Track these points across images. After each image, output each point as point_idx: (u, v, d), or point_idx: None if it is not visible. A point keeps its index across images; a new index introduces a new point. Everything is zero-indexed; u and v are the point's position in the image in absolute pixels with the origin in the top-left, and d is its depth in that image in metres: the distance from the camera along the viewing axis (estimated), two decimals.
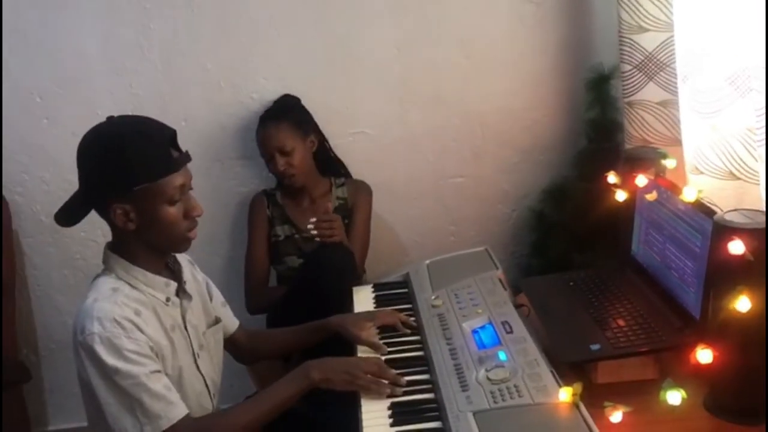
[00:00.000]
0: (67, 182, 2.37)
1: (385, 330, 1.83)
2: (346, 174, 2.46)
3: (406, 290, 2.05)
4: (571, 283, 1.88)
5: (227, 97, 2.44)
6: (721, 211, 1.46)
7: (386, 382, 1.55)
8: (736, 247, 1.31)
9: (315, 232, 2.16)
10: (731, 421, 1.44)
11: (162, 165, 1.44)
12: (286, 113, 2.33)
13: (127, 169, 1.42)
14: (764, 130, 1.34)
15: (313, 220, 2.17)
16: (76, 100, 2.39)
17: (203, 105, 2.44)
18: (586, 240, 2.27)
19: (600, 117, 2.34)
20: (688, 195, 1.54)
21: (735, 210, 1.42)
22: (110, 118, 1.49)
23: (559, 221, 2.41)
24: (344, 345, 1.79)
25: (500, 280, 1.93)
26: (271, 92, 2.43)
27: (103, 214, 1.48)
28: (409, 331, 1.82)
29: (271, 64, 2.42)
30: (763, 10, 1.45)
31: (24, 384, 2.52)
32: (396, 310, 1.91)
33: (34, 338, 2.63)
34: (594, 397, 1.47)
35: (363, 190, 2.42)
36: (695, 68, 1.72)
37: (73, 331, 1.45)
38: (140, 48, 2.37)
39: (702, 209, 1.52)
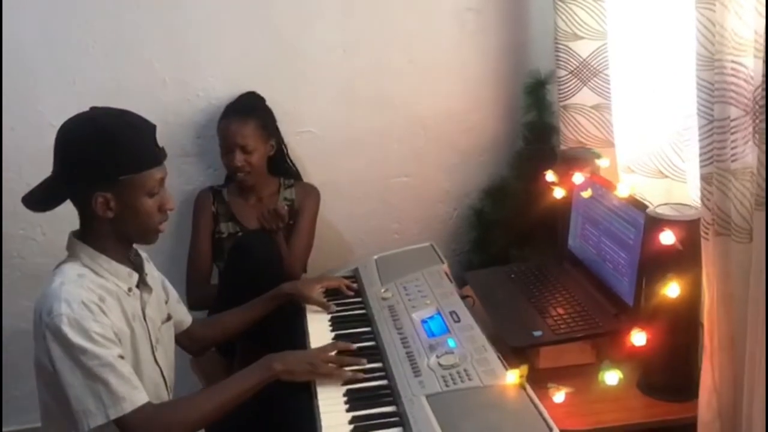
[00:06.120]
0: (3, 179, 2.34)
1: (338, 322, 1.90)
2: (297, 177, 2.50)
3: (355, 284, 2.11)
4: (513, 275, 1.99)
5: (173, 95, 2.44)
6: (652, 205, 1.58)
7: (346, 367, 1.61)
8: (667, 237, 1.43)
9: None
10: (662, 399, 1.57)
11: (148, 157, 1.50)
12: (255, 112, 2.36)
13: (115, 159, 1.46)
14: (694, 130, 1.46)
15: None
16: (16, 96, 2.34)
17: (148, 102, 2.40)
18: (523, 236, 2.38)
19: (536, 120, 2.46)
20: (622, 191, 1.66)
21: (665, 204, 1.54)
22: (93, 109, 1.53)
23: (498, 219, 2.51)
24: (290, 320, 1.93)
25: (446, 274, 2.01)
26: (218, 90, 2.45)
27: (81, 201, 1.50)
28: (352, 293, 2.02)
29: (218, 62, 2.44)
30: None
31: None
32: (346, 303, 1.99)
33: None
34: (536, 381, 1.56)
35: (311, 193, 2.46)
36: (627, 74, 1.85)
37: (38, 315, 1.45)
38: (84, 44, 2.34)
39: (635, 204, 1.64)
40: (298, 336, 1.89)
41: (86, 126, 1.50)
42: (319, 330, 1.87)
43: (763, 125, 1.16)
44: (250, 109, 2.37)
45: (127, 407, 1.42)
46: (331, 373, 1.59)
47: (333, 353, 1.64)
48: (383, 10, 2.48)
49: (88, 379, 1.40)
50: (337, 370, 1.60)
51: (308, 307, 1.97)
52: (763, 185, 1.17)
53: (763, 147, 1.17)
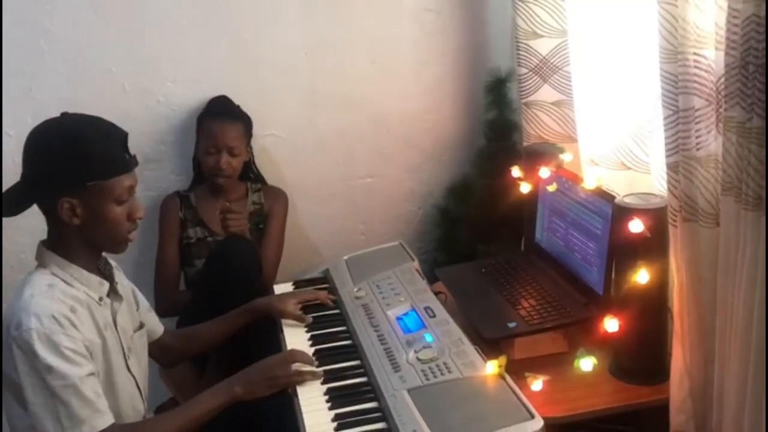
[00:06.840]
0: None
1: (313, 323, 1.91)
2: (261, 180, 2.50)
3: (326, 285, 2.12)
4: (483, 270, 2.02)
5: (133, 101, 2.41)
6: (619, 196, 1.63)
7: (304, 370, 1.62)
8: (636, 226, 1.48)
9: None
10: (634, 383, 1.61)
11: (116, 164, 1.47)
12: (241, 116, 2.36)
13: (82, 165, 1.43)
14: (656, 121, 1.52)
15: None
16: None
17: (107, 109, 2.30)
18: (488, 232, 2.42)
19: (497, 118, 2.50)
20: (589, 184, 1.71)
21: (631, 194, 1.59)
22: (64, 114, 1.50)
23: (462, 216, 2.55)
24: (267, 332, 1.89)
25: (417, 271, 2.03)
26: (179, 96, 2.43)
27: (48, 207, 1.48)
28: (331, 303, 1.99)
29: (178, 67, 2.41)
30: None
31: None
32: (320, 304, 1.99)
33: None
34: (512, 372, 1.59)
35: (280, 197, 2.46)
36: (588, 70, 1.90)
37: (5, 327, 1.42)
38: (40, 50, 2.30)
39: (602, 195, 1.69)
40: (273, 339, 1.89)
41: (54, 131, 1.48)
42: (295, 333, 1.87)
43: (733, 113, 1.20)
44: (237, 112, 2.37)
45: (86, 431, 1.39)
46: (291, 382, 1.60)
47: (291, 361, 1.64)
48: (343, 13, 2.49)
49: (49, 399, 1.38)
50: (296, 375, 1.60)
51: None
52: (729, 171, 1.23)
53: (730, 134, 1.22)
